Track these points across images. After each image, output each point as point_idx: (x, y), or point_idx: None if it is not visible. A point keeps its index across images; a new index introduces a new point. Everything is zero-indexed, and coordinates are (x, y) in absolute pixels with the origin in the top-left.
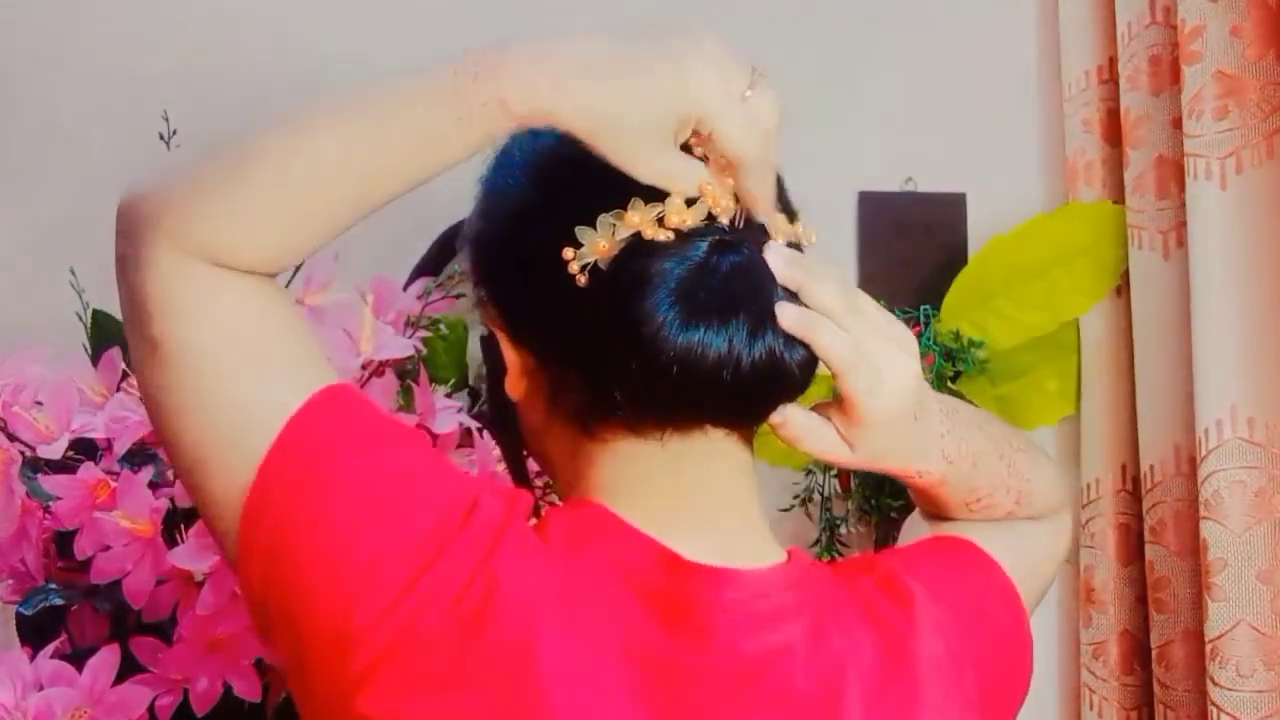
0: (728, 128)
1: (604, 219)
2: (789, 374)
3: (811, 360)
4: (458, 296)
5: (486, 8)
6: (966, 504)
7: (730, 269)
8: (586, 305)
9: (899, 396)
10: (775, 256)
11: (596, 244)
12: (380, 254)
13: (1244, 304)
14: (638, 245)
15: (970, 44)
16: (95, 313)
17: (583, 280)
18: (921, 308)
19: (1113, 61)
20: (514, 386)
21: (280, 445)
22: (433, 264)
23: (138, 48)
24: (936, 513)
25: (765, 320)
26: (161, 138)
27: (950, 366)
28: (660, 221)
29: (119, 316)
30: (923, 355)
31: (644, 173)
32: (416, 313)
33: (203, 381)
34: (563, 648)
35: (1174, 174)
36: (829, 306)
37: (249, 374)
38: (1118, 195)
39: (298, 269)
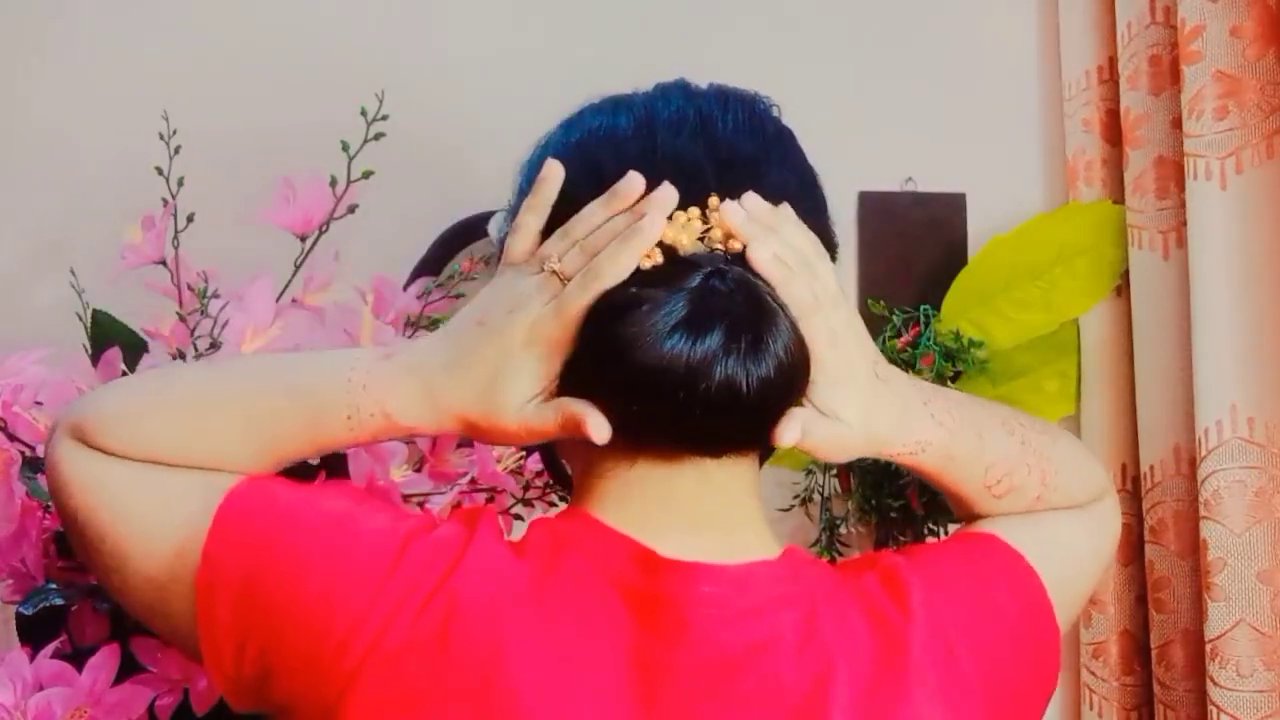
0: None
1: None
2: (747, 402)
3: (777, 395)
4: (457, 296)
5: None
6: (987, 486)
7: (718, 297)
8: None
9: (852, 346)
10: (734, 213)
11: None
12: (380, 254)
13: (1244, 304)
14: (636, 271)
15: (970, 44)
16: (95, 313)
17: None
18: (921, 308)
19: (1113, 61)
20: None
21: (219, 523)
22: (433, 264)
23: (138, 48)
24: (966, 511)
25: (737, 345)
26: (161, 138)
27: (950, 366)
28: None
29: (119, 316)
30: (923, 355)
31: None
32: (416, 313)
33: (121, 508)
34: (536, 651)
35: (1174, 174)
36: (789, 262)
37: (160, 493)
38: (1118, 195)
39: (296, 270)
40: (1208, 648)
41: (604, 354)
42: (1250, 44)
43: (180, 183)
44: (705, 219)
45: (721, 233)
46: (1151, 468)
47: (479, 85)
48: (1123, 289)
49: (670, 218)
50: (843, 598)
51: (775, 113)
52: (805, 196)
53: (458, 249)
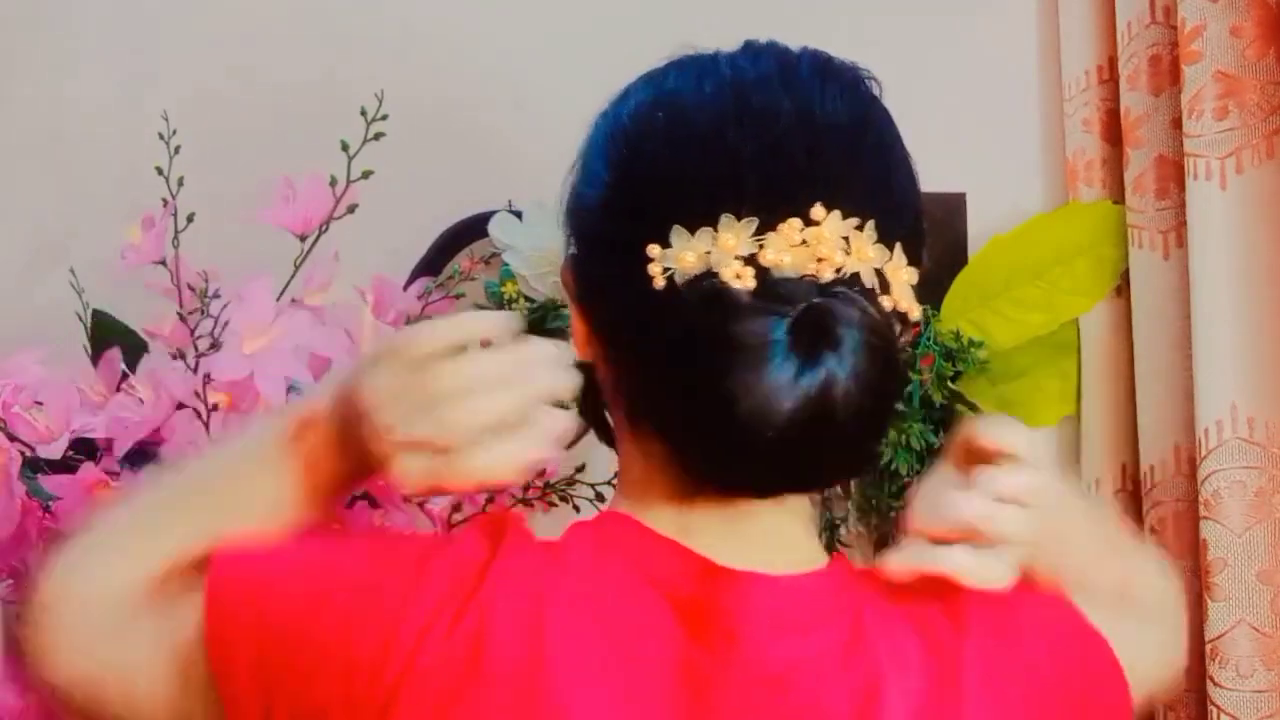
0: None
1: (702, 231)
2: (807, 472)
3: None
4: (458, 296)
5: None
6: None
7: (807, 359)
8: (648, 313)
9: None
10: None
11: (683, 256)
12: (380, 254)
13: (1244, 304)
14: (720, 288)
15: (970, 44)
16: (95, 313)
17: (660, 283)
18: (921, 308)
19: (1113, 61)
20: (580, 349)
21: (210, 610)
22: (433, 264)
23: (138, 48)
24: None
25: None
26: (161, 138)
27: (950, 366)
28: (755, 255)
29: (119, 316)
30: (923, 355)
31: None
32: (416, 313)
33: (127, 690)
34: (580, 660)
35: (1174, 174)
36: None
37: (150, 641)
38: (1118, 195)
39: (296, 270)
40: (1208, 648)
41: (676, 380)
42: (1250, 44)
43: (180, 183)
44: (805, 240)
45: (817, 257)
46: (1151, 468)
47: (479, 85)
48: (1123, 289)
49: (775, 229)
50: (890, 609)
51: (875, 90)
52: (898, 201)
53: (458, 249)
